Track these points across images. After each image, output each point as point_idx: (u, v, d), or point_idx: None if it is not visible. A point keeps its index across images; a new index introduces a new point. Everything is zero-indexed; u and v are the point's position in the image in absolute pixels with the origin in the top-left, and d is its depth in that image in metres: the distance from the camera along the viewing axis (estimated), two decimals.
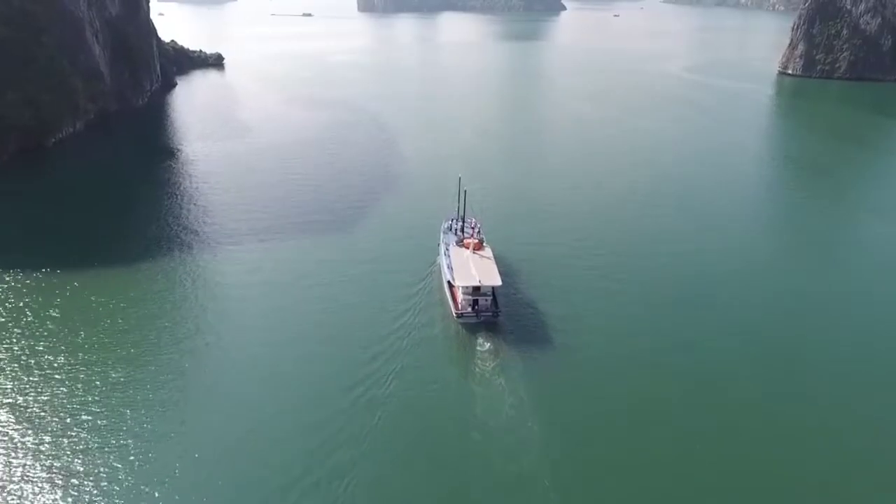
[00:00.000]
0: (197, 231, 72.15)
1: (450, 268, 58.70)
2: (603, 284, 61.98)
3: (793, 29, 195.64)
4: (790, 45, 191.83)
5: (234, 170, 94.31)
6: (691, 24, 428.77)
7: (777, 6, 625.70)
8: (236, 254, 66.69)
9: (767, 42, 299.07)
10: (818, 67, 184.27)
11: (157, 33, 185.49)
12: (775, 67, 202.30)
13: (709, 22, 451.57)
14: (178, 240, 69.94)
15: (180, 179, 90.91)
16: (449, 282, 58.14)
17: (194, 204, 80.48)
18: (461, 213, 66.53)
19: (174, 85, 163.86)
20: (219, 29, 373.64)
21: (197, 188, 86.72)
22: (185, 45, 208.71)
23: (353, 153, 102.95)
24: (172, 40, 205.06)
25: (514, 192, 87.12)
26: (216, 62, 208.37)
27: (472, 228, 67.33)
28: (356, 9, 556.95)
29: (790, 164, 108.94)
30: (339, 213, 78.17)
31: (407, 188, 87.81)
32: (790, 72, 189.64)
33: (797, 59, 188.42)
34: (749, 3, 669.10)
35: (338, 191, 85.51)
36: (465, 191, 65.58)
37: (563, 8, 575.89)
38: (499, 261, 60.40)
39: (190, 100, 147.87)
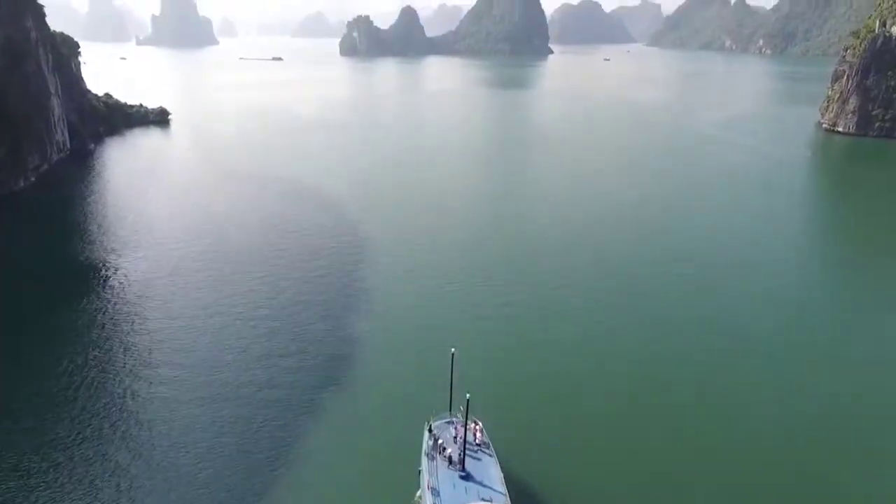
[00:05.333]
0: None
1: None
2: None
3: (836, 78, 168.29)
4: (839, 98, 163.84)
5: (123, 325, 57.69)
6: (689, 70, 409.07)
7: (764, 50, 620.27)
8: None
9: (790, 91, 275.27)
10: (876, 125, 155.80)
11: (80, 86, 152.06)
12: (813, 122, 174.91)
13: (705, 67, 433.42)
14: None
15: (42, 345, 53.80)
16: None
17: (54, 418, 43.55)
18: (460, 415, 36.50)
19: (89, 153, 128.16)
20: (179, 75, 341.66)
21: (63, 364, 49.92)
22: (124, 99, 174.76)
23: (295, 291, 63.44)
24: (106, 93, 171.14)
25: (533, 364, 50.99)
26: (159, 118, 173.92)
27: (478, 445, 36.14)
28: (338, 53, 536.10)
29: (866, 260, 75.01)
30: (265, 429, 42.10)
31: (370, 362, 51.13)
32: (840, 129, 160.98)
33: (849, 115, 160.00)
34: (735, 48, 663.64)
35: (267, 385, 48.99)
36: (469, 397, 33.70)
37: (550, 52, 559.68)
38: None
39: (98, 178, 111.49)
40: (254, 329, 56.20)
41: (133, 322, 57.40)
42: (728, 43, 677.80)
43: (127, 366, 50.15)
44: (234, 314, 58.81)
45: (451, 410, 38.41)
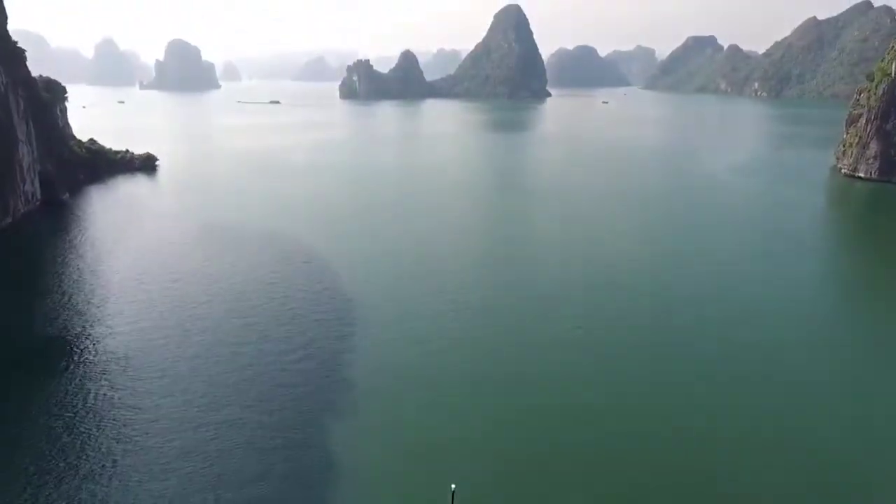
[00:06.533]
0: None
1: None
2: None
3: (851, 122, 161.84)
4: (858, 143, 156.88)
5: (68, 422, 46.71)
6: (689, 112, 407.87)
7: (760, 93, 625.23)
8: None
9: (795, 134, 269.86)
10: None
11: (62, 132, 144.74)
12: (828, 167, 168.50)
13: (705, 109, 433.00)
14: None
15: None
16: None
17: None
18: None
19: (62, 204, 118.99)
20: (173, 119, 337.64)
21: None
22: (111, 144, 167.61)
23: (268, 389, 52.16)
24: (91, 139, 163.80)
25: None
26: (145, 165, 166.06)
27: None
28: (338, 96, 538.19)
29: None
30: None
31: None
32: (862, 175, 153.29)
33: (870, 161, 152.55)
34: (730, 91, 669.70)
35: None
36: None
37: (548, 94, 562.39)
38: None
39: (65, 233, 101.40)
40: (204, 448, 45.06)
41: (83, 414, 46.28)
42: (723, 86, 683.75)
43: (72, 472, 38.81)
44: (187, 426, 47.64)
45: None
